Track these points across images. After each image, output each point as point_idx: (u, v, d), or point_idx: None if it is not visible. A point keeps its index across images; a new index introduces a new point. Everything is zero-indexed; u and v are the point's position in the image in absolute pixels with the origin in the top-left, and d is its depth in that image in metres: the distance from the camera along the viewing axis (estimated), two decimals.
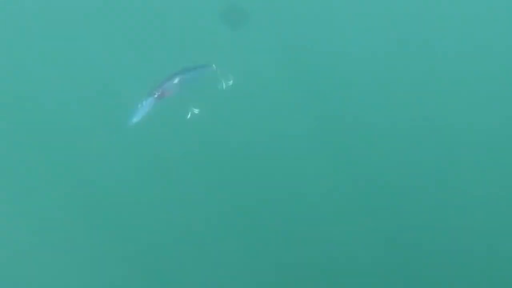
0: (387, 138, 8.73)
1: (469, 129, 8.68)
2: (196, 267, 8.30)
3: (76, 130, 8.68)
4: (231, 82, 8.17)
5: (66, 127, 8.70)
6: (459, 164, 8.60)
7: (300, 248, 8.36)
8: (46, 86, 8.82)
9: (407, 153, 8.67)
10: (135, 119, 7.66)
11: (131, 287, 8.27)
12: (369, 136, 8.73)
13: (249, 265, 8.27)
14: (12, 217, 8.42)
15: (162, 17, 9.11)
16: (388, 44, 9.03)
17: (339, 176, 8.56)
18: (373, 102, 8.84)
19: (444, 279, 8.20)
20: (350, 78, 8.92)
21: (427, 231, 8.36)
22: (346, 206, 8.47)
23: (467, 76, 8.86)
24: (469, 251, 8.29)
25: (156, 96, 7.70)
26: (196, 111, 8.11)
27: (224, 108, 8.65)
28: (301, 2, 9.22)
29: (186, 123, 8.20)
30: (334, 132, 8.76)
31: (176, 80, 7.81)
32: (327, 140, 8.70)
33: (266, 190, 8.54)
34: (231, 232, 8.38)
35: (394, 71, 8.95)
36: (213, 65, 8.02)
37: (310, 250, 8.36)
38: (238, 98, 8.68)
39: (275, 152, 8.68)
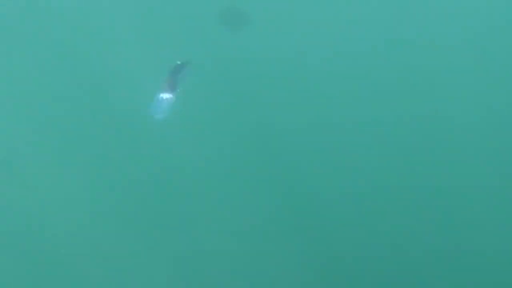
0: (388, 137, 8.77)
1: (469, 128, 8.70)
2: (199, 267, 8.39)
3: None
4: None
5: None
6: (462, 163, 8.63)
7: (302, 248, 8.43)
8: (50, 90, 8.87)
9: (407, 153, 8.72)
10: (160, 114, 7.97)
11: None
12: (372, 135, 8.77)
13: (251, 264, 8.34)
14: None
15: (161, 18, 9.17)
16: (388, 44, 9.05)
17: (339, 176, 8.63)
18: (374, 102, 8.87)
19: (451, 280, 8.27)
20: (350, 78, 8.95)
21: (430, 230, 8.42)
22: (349, 204, 8.54)
23: (467, 74, 8.88)
24: (470, 251, 8.33)
25: (168, 89, 8.00)
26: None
27: (225, 108, 8.74)
28: (301, 2, 9.26)
29: (190, 124, 8.42)
30: (336, 131, 8.80)
31: (179, 75, 8.14)
32: (329, 139, 8.75)
33: (268, 190, 8.58)
34: (232, 233, 8.45)
35: (394, 71, 8.98)
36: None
37: (313, 250, 8.43)
38: (238, 98, 8.80)
39: (276, 152, 8.71)
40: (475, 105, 8.77)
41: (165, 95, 8.06)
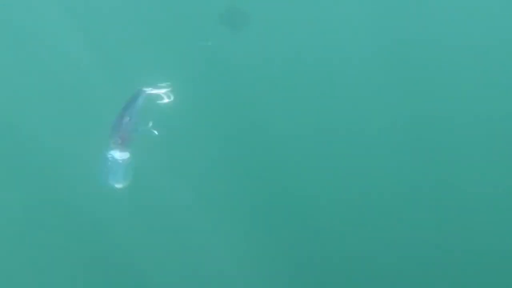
0: (389, 138, 8.78)
1: (469, 128, 8.72)
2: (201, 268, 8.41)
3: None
4: (171, 98, 6.66)
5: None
6: (462, 163, 8.65)
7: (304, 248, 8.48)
8: None
9: (407, 153, 8.71)
10: (115, 180, 6.31)
11: None
12: (373, 135, 8.80)
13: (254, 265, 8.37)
14: None
15: (161, 19, 9.12)
16: (388, 45, 9.04)
17: (338, 177, 8.66)
18: (374, 103, 8.87)
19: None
20: (350, 78, 8.95)
21: (430, 231, 8.46)
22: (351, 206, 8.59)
23: (467, 74, 8.87)
24: (472, 251, 8.37)
25: (119, 146, 6.35)
26: None
27: (224, 108, 8.72)
28: (301, 3, 9.25)
29: (188, 124, 8.28)
30: (337, 132, 8.81)
31: (127, 119, 6.45)
32: (330, 141, 8.77)
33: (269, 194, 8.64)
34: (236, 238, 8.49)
35: (395, 71, 8.95)
36: (144, 89, 6.60)
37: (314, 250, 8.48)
38: (238, 99, 8.77)
39: (276, 154, 8.71)
40: (475, 105, 8.80)
41: (118, 154, 6.29)
